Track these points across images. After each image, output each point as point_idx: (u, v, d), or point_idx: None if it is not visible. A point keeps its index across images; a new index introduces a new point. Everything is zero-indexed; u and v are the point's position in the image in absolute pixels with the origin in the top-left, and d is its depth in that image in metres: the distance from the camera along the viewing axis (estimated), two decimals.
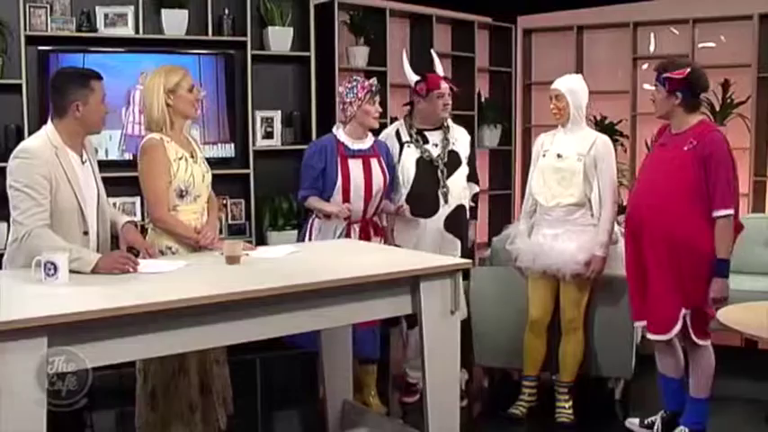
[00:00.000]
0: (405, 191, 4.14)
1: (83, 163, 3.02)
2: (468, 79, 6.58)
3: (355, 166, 3.90)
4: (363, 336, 3.81)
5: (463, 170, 4.22)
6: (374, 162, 3.95)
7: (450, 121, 4.31)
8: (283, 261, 3.11)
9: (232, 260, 2.95)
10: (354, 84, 3.94)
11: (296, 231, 5.17)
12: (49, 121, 2.99)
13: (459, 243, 4.20)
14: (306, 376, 4.04)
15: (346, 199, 3.87)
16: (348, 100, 3.94)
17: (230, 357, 3.50)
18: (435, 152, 4.16)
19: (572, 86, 3.86)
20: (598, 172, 3.82)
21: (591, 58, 6.78)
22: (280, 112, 5.60)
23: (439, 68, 4.42)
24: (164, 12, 5.13)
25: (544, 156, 3.92)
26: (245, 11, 5.33)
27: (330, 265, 3.01)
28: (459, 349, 3.06)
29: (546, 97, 3.83)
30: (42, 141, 2.91)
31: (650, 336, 3.55)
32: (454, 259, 3.27)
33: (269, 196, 5.52)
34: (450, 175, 4.16)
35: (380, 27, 5.99)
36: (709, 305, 3.39)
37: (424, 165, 4.14)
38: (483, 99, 6.80)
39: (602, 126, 6.07)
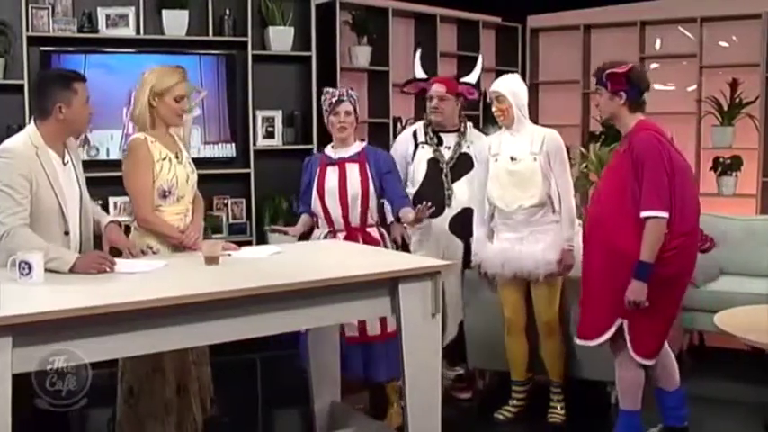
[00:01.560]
0: (413, 190, 4.15)
1: (64, 164, 3.03)
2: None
3: (331, 173, 3.86)
4: (386, 351, 3.71)
5: (474, 174, 4.17)
6: (353, 167, 3.86)
7: (469, 125, 4.31)
8: (263, 262, 3.10)
9: (210, 261, 2.95)
10: (325, 96, 3.93)
11: None
12: (32, 122, 3.00)
13: (462, 245, 4.18)
14: (294, 377, 4.03)
15: (323, 206, 3.84)
16: (323, 111, 3.96)
17: (216, 358, 3.50)
18: (447, 155, 4.15)
19: (512, 87, 3.84)
20: (553, 167, 3.79)
21: (598, 58, 6.65)
22: (281, 111, 5.61)
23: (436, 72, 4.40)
24: (164, 12, 5.16)
25: (496, 160, 3.88)
26: (245, 11, 5.35)
27: (309, 267, 3.00)
28: (440, 352, 3.04)
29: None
30: (23, 142, 2.92)
31: (578, 341, 3.48)
32: (434, 260, 3.24)
33: (270, 196, 5.53)
34: (457, 178, 4.16)
35: (383, 27, 5.98)
36: (656, 320, 3.29)
37: (434, 166, 4.15)
38: (489, 99, 6.74)
39: (608, 127, 6.00)
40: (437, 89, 4.18)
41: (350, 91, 3.95)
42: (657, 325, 3.35)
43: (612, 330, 3.34)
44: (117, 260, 2.90)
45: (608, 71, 3.32)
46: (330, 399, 3.65)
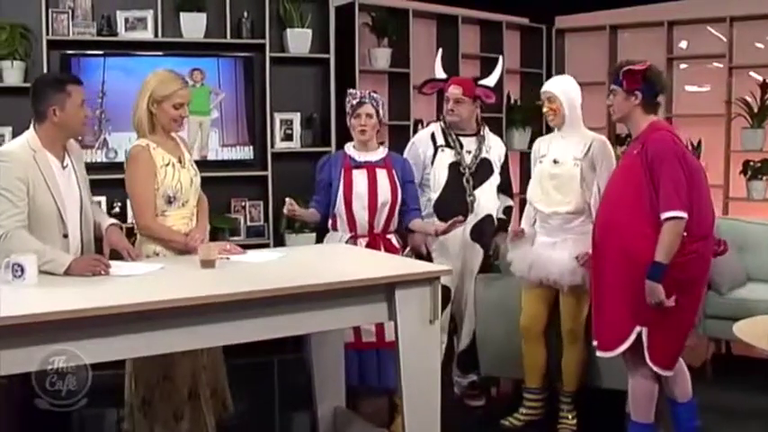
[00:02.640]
0: (434, 195, 4.08)
1: (63, 167, 3.04)
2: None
3: (359, 176, 3.82)
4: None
5: (494, 180, 4.14)
6: (382, 173, 3.84)
7: (486, 129, 4.23)
8: (260, 266, 3.08)
9: (206, 264, 2.93)
10: (348, 97, 3.89)
11: (314, 234, 5.16)
12: (31, 126, 3.02)
13: (481, 252, 4.12)
14: (300, 381, 3.99)
15: (349, 210, 3.79)
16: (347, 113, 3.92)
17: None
18: (467, 159, 4.09)
19: (564, 87, 3.74)
20: (597, 175, 3.68)
21: (625, 58, 6.53)
22: (299, 114, 5.58)
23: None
24: (182, 15, 5.18)
25: (541, 162, 3.80)
26: (263, 13, 5.34)
27: (307, 271, 2.97)
28: (439, 360, 2.99)
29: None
30: (21, 145, 2.95)
31: (599, 353, 3.35)
32: (431, 266, 3.19)
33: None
34: (479, 184, 4.09)
35: (403, 28, 5.93)
36: (674, 327, 3.18)
37: (456, 171, 4.08)
38: (512, 101, 6.66)
39: None
40: (453, 91, 4.10)
41: (373, 93, 3.91)
42: (676, 333, 3.24)
43: (632, 339, 3.23)
44: (113, 263, 2.91)
45: (625, 68, 3.22)
46: (334, 404, 3.61)
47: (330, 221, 3.94)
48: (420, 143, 4.20)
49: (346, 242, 3.81)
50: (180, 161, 3.32)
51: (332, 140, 5.56)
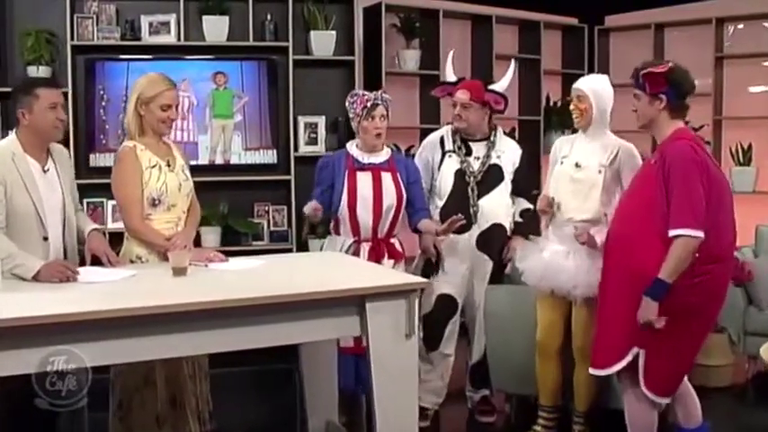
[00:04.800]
0: (440, 203, 3.92)
1: (44, 171, 3.05)
2: (535, 83, 6.24)
3: (363, 179, 3.70)
4: None
5: (504, 187, 3.95)
6: (387, 176, 3.72)
7: (499, 133, 4.05)
8: (235, 275, 2.99)
9: (178, 272, 2.86)
10: (355, 98, 3.76)
11: None
12: (14, 130, 3.04)
13: (490, 263, 3.95)
14: (288, 393, 3.89)
15: (352, 214, 3.68)
16: (351, 115, 3.78)
17: (212, 370, 3.42)
18: (475, 166, 3.91)
19: (596, 87, 3.48)
20: (623, 183, 3.43)
21: (672, 58, 6.19)
22: (324, 117, 5.49)
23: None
24: (205, 18, 5.17)
25: (561, 163, 3.58)
26: (286, 15, 5.27)
27: (277, 282, 2.86)
28: (416, 378, 2.82)
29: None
30: (1, 147, 2.95)
31: (590, 370, 3.14)
32: (408, 278, 3.02)
33: None
34: (486, 192, 3.90)
35: (434, 29, 5.77)
36: (675, 354, 2.95)
37: (461, 179, 3.91)
38: (551, 103, 6.42)
39: None
40: (460, 96, 3.91)
41: (384, 94, 3.79)
42: (676, 360, 3.01)
43: (627, 360, 3.01)
44: (84, 269, 2.89)
45: (644, 71, 3.00)
46: (326, 417, 3.48)
47: (332, 225, 3.84)
48: (428, 148, 4.05)
49: (349, 247, 3.70)
50: (169, 164, 3.28)
51: None
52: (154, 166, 3.22)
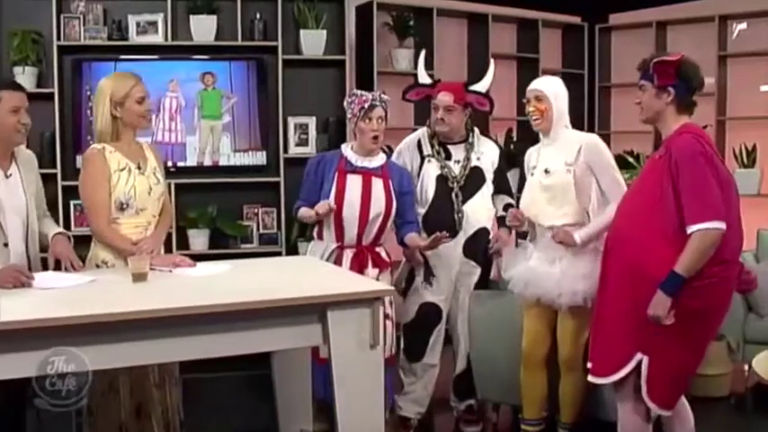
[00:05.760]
0: (422, 210, 3.81)
1: (7, 176, 2.98)
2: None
3: (353, 182, 3.59)
4: None
5: (486, 190, 3.85)
6: (378, 182, 3.60)
7: (477, 134, 3.92)
8: (198, 281, 2.90)
9: (137, 277, 2.77)
10: (353, 98, 3.64)
11: None
12: None
13: (478, 270, 3.84)
14: (262, 401, 3.78)
15: (338, 218, 3.57)
16: (348, 115, 3.68)
17: (183, 375, 3.33)
18: (456, 170, 3.80)
19: (555, 88, 3.41)
20: (598, 177, 3.33)
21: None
22: (314, 118, 5.39)
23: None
24: (192, 18, 5.08)
25: (532, 174, 3.47)
26: (276, 14, 5.18)
27: (241, 288, 2.76)
28: (381, 391, 2.70)
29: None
30: None
31: (591, 378, 2.99)
32: (373, 285, 2.90)
33: None
34: (469, 196, 3.80)
35: (428, 28, 5.66)
36: (679, 360, 2.80)
37: (443, 184, 3.80)
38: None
39: None
40: (443, 98, 3.78)
41: (382, 95, 3.67)
42: (681, 367, 2.87)
43: (630, 366, 2.87)
44: (41, 274, 2.82)
45: (656, 59, 2.86)
46: (299, 426, 3.39)
47: (315, 229, 3.73)
48: (406, 152, 3.92)
49: (331, 252, 3.59)
50: (139, 167, 3.19)
51: None
52: (123, 169, 3.14)
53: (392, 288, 2.89)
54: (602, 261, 3.05)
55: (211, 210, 5.20)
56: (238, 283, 2.85)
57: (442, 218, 3.75)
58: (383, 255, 3.68)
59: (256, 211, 5.37)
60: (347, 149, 3.69)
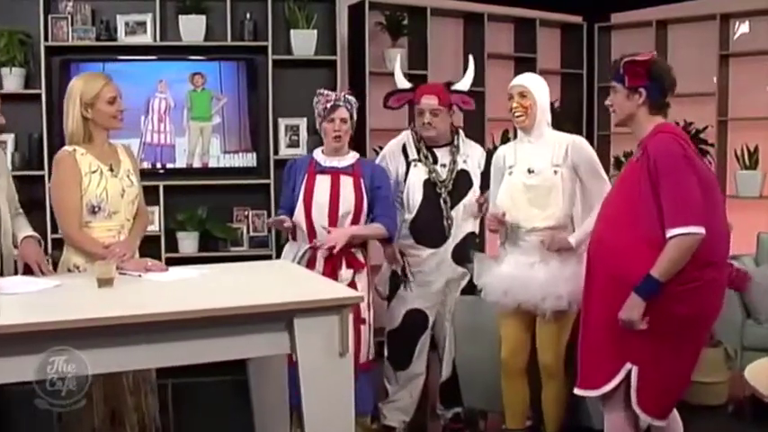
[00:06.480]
0: (409, 216, 3.74)
1: None
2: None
3: (322, 182, 3.53)
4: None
5: (473, 194, 3.78)
6: (347, 180, 3.53)
7: (462, 137, 3.84)
8: (166, 286, 2.82)
9: (103, 282, 2.70)
10: (319, 98, 3.59)
11: None
12: None
13: (467, 275, 3.75)
14: (239, 407, 3.70)
15: (308, 219, 3.50)
16: (315, 114, 3.61)
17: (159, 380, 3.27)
18: (443, 174, 3.72)
19: (539, 85, 3.34)
20: (583, 180, 3.25)
21: (675, 57, 5.92)
22: (305, 119, 5.31)
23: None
24: (182, 18, 5.03)
25: (510, 173, 3.36)
26: (266, 14, 5.11)
27: (209, 294, 2.69)
28: (351, 398, 2.61)
29: None
30: None
31: (578, 391, 2.88)
32: (341, 292, 2.81)
33: None
34: (458, 201, 3.73)
35: (422, 27, 5.56)
36: (670, 369, 2.70)
37: (431, 189, 3.72)
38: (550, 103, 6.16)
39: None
40: (428, 102, 3.69)
41: (347, 95, 3.60)
42: (671, 377, 2.76)
43: (620, 377, 2.76)
44: (6, 279, 2.78)
45: (627, 59, 2.77)
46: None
47: (290, 232, 3.66)
48: (391, 157, 3.84)
49: (303, 254, 3.51)
50: (111, 169, 3.13)
51: None
52: (94, 172, 3.07)
53: (361, 295, 2.80)
54: (585, 269, 2.95)
55: (201, 212, 5.14)
56: (205, 290, 2.77)
57: (431, 224, 3.69)
58: (359, 256, 3.59)
59: (246, 213, 5.32)
60: (317, 151, 3.65)
